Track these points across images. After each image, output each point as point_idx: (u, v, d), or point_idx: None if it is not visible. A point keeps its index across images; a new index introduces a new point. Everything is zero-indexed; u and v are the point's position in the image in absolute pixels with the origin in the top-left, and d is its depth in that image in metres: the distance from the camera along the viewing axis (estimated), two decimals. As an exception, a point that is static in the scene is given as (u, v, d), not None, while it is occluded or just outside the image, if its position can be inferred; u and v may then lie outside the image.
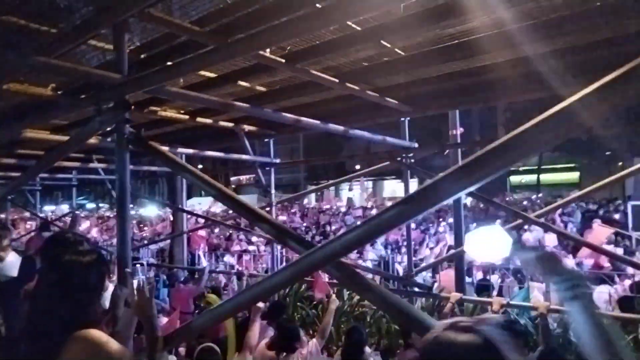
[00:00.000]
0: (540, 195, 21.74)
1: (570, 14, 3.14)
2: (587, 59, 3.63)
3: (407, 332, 3.81)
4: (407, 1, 2.99)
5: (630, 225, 9.96)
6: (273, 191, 6.20)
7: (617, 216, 12.18)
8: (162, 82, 2.60)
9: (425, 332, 1.43)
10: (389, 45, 3.69)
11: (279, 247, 6.70)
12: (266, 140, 6.20)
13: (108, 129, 2.50)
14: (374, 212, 18.94)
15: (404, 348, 4.19)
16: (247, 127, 5.82)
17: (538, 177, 28.55)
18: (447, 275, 6.26)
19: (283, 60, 3.25)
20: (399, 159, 4.95)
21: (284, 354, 3.51)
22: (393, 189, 35.35)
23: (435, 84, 4.45)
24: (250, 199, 28.99)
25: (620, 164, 28.58)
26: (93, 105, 2.50)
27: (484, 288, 6.07)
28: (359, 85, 4.08)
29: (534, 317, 4.89)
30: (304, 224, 16.34)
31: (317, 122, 4.16)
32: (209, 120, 5.36)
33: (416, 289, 4.94)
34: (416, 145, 5.12)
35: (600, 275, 6.32)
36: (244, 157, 5.67)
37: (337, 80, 3.80)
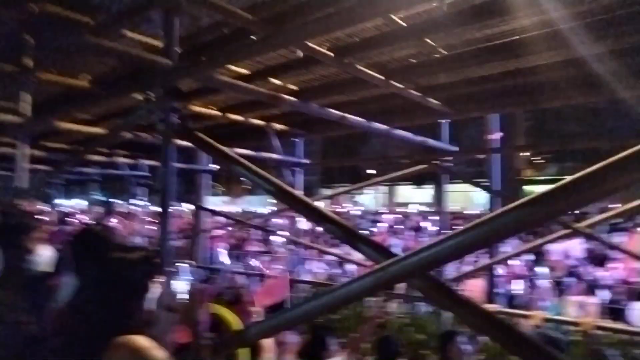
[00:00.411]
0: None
1: (624, 13, 2.95)
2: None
3: (443, 343, 3.59)
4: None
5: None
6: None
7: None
8: (214, 69, 2.46)
9: (534, 355, 1.26)
10: (432, 44, 3.53)
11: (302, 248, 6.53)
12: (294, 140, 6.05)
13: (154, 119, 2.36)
14: (389, 217, 18.68)
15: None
16: (277, 126, 5.69)
17: (557, 188, 28.00)
18: (474, 286, 6.05)
19: (331, 54, 3.11)
20: (435, 162, 4.75)
21: None
22: (407, 195, 35.02)
23: (478, 86, 4.28)
24: (260, 201, 28.88)
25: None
26: (141, 92, 2.36)
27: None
28: (402, 84, 3.92)
29: (567, 332, 4.66)
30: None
31: (362, 120, 3.99)
32: (239, 117, 5.24)
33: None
34: (456, 148, 4.93)
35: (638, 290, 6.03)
36: (274, 156, 5.52)
37: (382, 77, 3.64)
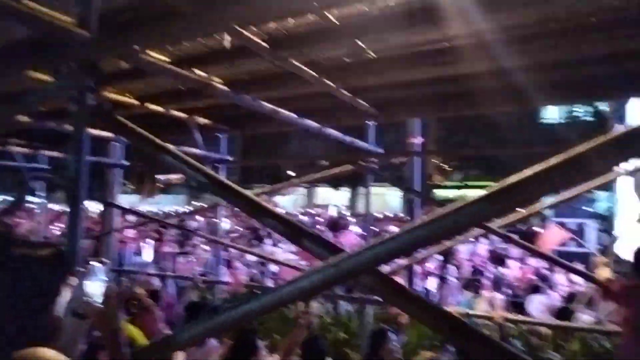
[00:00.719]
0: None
1: (548, 30, 3.22)
2: (562, 76, 3.75)
3: (375, 341, 3.60)
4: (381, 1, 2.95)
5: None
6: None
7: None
8: (139, 45, 2.21)
9: (482, 348, 1.27)
10: (363, 46, 3.56)
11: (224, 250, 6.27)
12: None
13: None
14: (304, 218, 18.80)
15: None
16: (199, 120, 5.40)
17: (463, 193, 30.19)
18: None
19: (266, 45, 2.99)
20: (362, 163, 4.81)
21: None
22: (325, 196, 35.61)
23: (406, 90, 4.42)
24: (175, 201, 27.54)
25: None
26: (48, 67, 2.05)
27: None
28: (334, 83, 3.91)
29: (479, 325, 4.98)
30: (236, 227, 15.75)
31: (294, 116, 3.90)
32: (159, 108, 4.89)
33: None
34: (382, 150, 5.03)
35: (535, 284, 6.63)
36: (196, 151, 5.22)
37: (315, 75, 3.59)
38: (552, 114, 33.86)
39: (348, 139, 4.79)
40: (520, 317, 4.63)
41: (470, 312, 4.44)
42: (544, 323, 4.78)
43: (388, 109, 4.72)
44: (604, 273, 3.59)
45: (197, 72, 3.53)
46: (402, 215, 23.75)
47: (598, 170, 1.06)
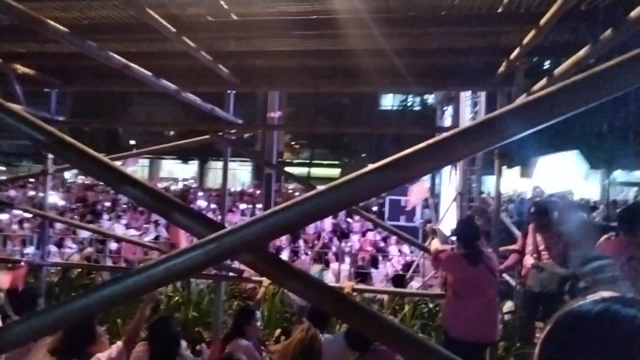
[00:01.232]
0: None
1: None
2: (426, 63, 4.06)
3: (240, 320, 3.47)
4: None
5: (386, 216, 11.91)
6: (51, 156, 4.90)
7: (375, 208, 14.42)
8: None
9: (368, 322, 1.26)
10: (226, 6, 3.33)
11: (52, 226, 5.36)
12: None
13: None
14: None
15: None
16: (21, 69, 4.44)
17: (309, 171, 31.62)
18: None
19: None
20: (221, 134, 4.55)
21: None
22: (170, 169, 33.66)
23: (271, 61, 4.31)
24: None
25: (370, 164, 34.41)
26: None
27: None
28: (196, 44, 3.56)
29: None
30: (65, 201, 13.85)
31: (149, 73, 3.42)
32: (-38, 48, 3.86)
33: (230, 273, 4.66)
34: (240, 121, 4.82)
35: (375, 256, 7.29)
36: (15, 107, 4.26)
37: (174, 30, 3.21)
38: (388, 101, 37.68)
39: (208, 106, 4.47)
40: (363, 287, 5.01)
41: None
42: (383, 290, 5.28)
43: (250, 78, 4.54)
44: (434, 244, 4.09)
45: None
46: (251, 190, 23.85)
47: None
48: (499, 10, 3.23)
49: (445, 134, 1.08)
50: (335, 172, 34.60)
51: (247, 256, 1.27)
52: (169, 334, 3.24)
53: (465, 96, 7.85)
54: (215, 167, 33.80)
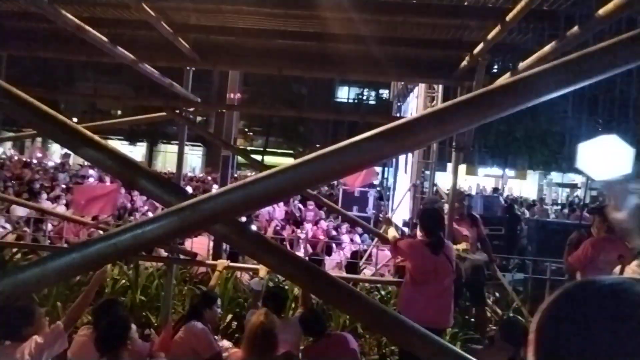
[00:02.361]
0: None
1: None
2: (390, 53, 4.06)
3: (201, 305, 3.36)
4: None
5: (339, 205, 12.01)
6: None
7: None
8: None
9: (341, 297, 1.23)
10: None
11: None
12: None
13: None
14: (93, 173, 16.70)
15: None
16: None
17: (262, 158, 31.31)
18: (200, 243, 6.04)
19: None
20: (178, 111, 4.35)
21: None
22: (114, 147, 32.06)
23: (234, 38, 4.15)
24: None
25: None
26: None
27: (235, 254, 6.11)
28: (155, 13, 3.35)
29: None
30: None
31: (105, 40, 3.17)
32: None
33: (182, 256, 4.49)
34: (199, 99, 4.62)
35: (328, 244, 7.32)
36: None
37: (134, -3, 3.00)
38: (344, 94, 37.98)
39: (167, 81, 4.24)
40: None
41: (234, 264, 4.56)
42: (338, 277, 5.30)
43: (211, 55, 4.36)
44: (391, 232, 4.15)
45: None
46: (202, 175, 23.25)
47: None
48: (465, 3, 3.29)
49: (406, 119, 1.07)
50: (289, 161, 34.47)
51: (221, 228, 1.20)
52: (116, 317, 3.07)
53: (422, 91, 8.02)
54: (165, 150, 32.62)
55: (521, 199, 20.50)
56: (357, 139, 1.02)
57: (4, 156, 19.05)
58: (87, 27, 2.89)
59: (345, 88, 36.90)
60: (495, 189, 15.19)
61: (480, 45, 3.62)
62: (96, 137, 1.25)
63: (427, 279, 3.43)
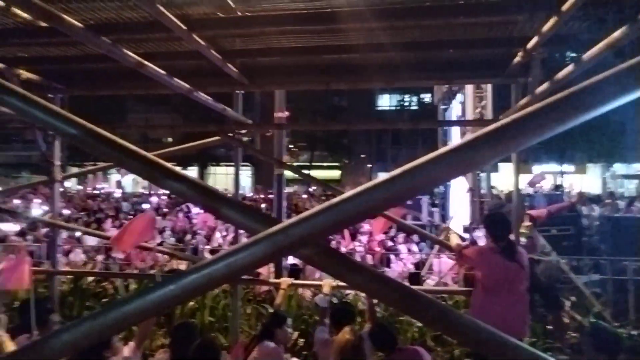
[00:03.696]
0: (315, 188, 24.00)
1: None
2: (436, 57, 3.98)
3: (272, 324, 3.38)
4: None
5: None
6: (58, 163, 4.79)
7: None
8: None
9: (435, 315, 1.18)
10: (232, 5, 3.25)
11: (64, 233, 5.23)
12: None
13: None
14: (153, 199, 17.43)
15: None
16: (24, 74, 4.34)
17: (309, 173, 31.56)
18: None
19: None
20: (231, 135, 4.46)
21: None
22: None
23: (278, 58, 4.22)
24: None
25: (369, 165, 34.41)
26: None
27: (296, 271, 6.13)
28: (205, 42, 3.48)
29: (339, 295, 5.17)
30: (70, 210, 13.71)
31: (163, 72, 3.33)
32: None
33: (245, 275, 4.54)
34: (250, 121, 4.73)
35: (387, 256, 7.20)
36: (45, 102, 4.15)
37: (185, 28, 3.13)
38: (385, 101, 37.67)
39: (220, 106, 4.37)
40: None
41: (341, 283, 4.51)
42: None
43: (258, 78, 4.45)
44: (454, 240, 3.99)
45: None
46: (250, 194, 23.72)
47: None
48: None
49: (499, 123, 0.99)
50: (336, 173, 34.52)
51: (305, 250, 1.19)
52: (192, 339, 3.14)
53: (470, 92, 7.78)
54: (215, 173, 33.66)
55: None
56: (446, 149, 0.98)
57: (74, 190, 20.32)
58: (147, 62, 3.04)
59: (386, 96, 36.61)
60: (558, 186, 14.42)
61: (535, 39, 3.46)
62: (176, 169, 1.28)
63: (499, 287, 3.26)
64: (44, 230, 7.69)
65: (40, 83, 4.52)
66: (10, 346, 2.42)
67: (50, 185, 4.84)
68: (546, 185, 23.10)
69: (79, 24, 2.56)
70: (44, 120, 1.32)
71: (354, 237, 10.34)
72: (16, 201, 12.40)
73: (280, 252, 1.06)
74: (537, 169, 27.80)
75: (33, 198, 13.01)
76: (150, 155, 1.29)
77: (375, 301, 4.13)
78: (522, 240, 4.10)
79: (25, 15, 2.79)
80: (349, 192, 1.10)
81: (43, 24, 3.05)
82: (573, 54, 4.04)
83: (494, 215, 3.48)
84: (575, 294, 5.40)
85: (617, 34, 2.38)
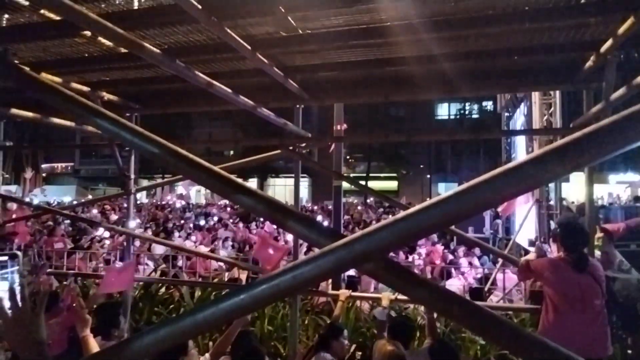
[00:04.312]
0: (372, 199, 23.88)
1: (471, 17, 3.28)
2: (500, 64, 3.88)
3: (329, 336, 3.41)
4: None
5: (452, 226, 11.46)
6: (133, 177, 5.16)
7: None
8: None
9: (501, 333, 1.15)
10: (293, 22, 3.35)
11: (137, 242, 5.62)
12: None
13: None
14: (214, 210, 18.10)
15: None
16: (106, 96, 4.74)
17: (366, 184, 31.45)
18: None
19: (199, 6, 2.61)
20: (292, 148, 4.59)
21: None
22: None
23: (336, 73, 4.29)
24: (67, 191, 24.82)
25: (428, 176, 33.66)
26: None
27: (353, 283, 6.12)
28: (267, 59, 3.63)
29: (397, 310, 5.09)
30: (139, 220, 14.60)
31: (229, 91, 3.53)
32: (57, 79, 4.17)
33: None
34: (309, 135, 4.85)
35: (447, 269, 7.00)
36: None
37: (249, 47, 3.29)
38: (444, 110, 36.79)
39: (281, 121, 4.53)
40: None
41: (400, 296, 4.45)
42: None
43: (318, 92, 4.55)
44: (529, 256, 3.76)
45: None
46: (308, 205, 24.02)
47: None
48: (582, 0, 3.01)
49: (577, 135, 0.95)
50: (393, 184, 34.12)
51: (368, 265, 1.21)
52: (251, 348, 3.24)
53: (536, 98, 7.44)
54: (274, 184, 34.50)
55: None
56: (513, 165, 0.97)
57: (145, 200, 21.64)
58: (215, 82, 3.22)
59: (445, 105, 35.79)
60: (637, 198, 13.27)
61: (609, 42, 3.27)
62: (246, 185, 1.36)
63: (572, 304, 3.06)
64: (120, 238, 8.26)
65: (119, 103, 4.91)
66: (95, 346, 2.62)
67: (126, 197, 5.21)
68: (624, 196, 21.35)
69: (157, 50, 2.77)
70: (130, 141, 1.45)
71: (413, 250, 10.17)
72: (94, 211, 13.35)
73: (345, 266, 1.09)
74: (613, 178, 25.82)
75: (109, 209, 13.98)
76: (222, 171, 1.38)
77: (435, 315, 4.04)
78: (597, 254, 3.83)
79: (109, 43, 3.07)
80: (412, 209, 1.11)
81: (123, 50, 3.33)
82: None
83: (569, 224, 3.24)
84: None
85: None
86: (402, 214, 1.12)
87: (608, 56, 3.38)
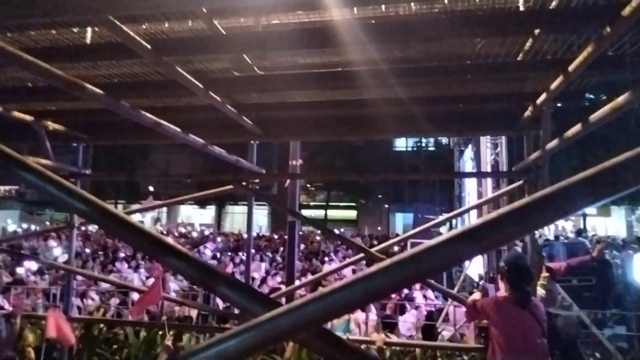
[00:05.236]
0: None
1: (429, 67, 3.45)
2: (449, 110, 4.06)
3: None
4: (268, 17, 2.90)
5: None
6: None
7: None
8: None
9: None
10: (249, 61, 3.40)
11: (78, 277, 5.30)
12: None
13: None
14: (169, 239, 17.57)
15: None
16: (51, 125, 4.55)
17: (326, 213, 31.52)
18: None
19: (148, 46, 2.58)
20: (245, 183, 4.55)
21: None
22: (188, 214, 33.92)
23: (292, 111, 4.35)
24: (9, 216, 23.34)
25: (386, 206, 34.21)
26: None
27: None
28: (220, 97, 3.62)
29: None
30: (87, 249, 13.90)
31: (178, 129, 3.47)
32: (-3, 108, 3.99)
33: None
34: (264, 171, 4.83)
35: (402, 304, 7.02)
36: (46, 162, 4.35)
37: (201, 86, 3.27)
38: (402, 142, 37.88)
39: (234, 158, 4.49)
40: (395, 339, 4.78)
41: (351, 337, 4.43)
42: (416, 344, 5.01)
43: (273, 129, 4.58)
44: (474, 296, 3.85)
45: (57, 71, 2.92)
46: (266, 234, 23.75)
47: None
48: (519, 58, 3.22)
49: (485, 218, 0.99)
50: (352, 213, 34.37)
51: (302, 336, 1.19)
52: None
53: (485, 138, 7.80)
54: (232, 212, 33.92)
55: (609, 239, 18.72)
56: (434, 242, 0.99)
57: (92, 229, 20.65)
58: (163, 122, 3.18)
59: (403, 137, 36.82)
60: (579, 231, 14.00)
61: (543, 95, 3.50)
62: (178, 246, 1.32)
63: (516, 342, 3.13)
64: (62, 272, 7.81)
65: (66, 133, 4.73)
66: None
67: (69, 230, 4.96)
68: (568, 226, 22.41)
69: (99, 91, 2.71)
70: (56, 196, 1.38)
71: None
72: (34, 242, 12.62)
73: (270, 342, 1.07)
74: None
75: (51, 239, 13.25)
76: (153, 232, 1.34)
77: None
78: (541, 292, 3.97)
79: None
80: (342, 281, 1.10)
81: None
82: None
83: (515, 263, 3.37)
84: (599, 350, 5.17)
85: (621, 99, 2.40)
86: (327, 289, 1.11)
87: (543, 108, 3.60)
